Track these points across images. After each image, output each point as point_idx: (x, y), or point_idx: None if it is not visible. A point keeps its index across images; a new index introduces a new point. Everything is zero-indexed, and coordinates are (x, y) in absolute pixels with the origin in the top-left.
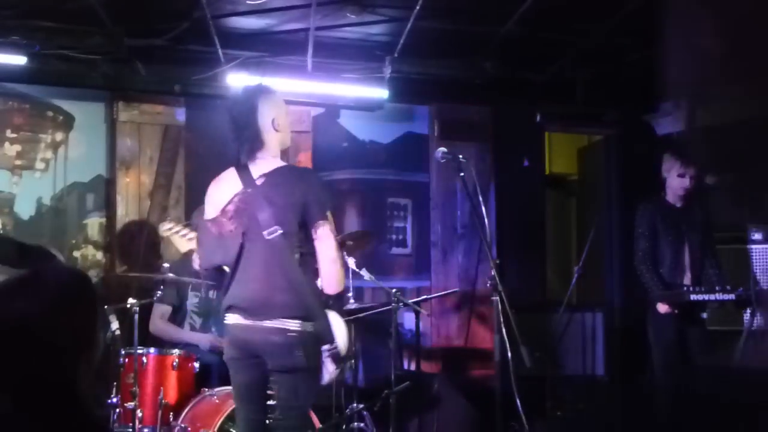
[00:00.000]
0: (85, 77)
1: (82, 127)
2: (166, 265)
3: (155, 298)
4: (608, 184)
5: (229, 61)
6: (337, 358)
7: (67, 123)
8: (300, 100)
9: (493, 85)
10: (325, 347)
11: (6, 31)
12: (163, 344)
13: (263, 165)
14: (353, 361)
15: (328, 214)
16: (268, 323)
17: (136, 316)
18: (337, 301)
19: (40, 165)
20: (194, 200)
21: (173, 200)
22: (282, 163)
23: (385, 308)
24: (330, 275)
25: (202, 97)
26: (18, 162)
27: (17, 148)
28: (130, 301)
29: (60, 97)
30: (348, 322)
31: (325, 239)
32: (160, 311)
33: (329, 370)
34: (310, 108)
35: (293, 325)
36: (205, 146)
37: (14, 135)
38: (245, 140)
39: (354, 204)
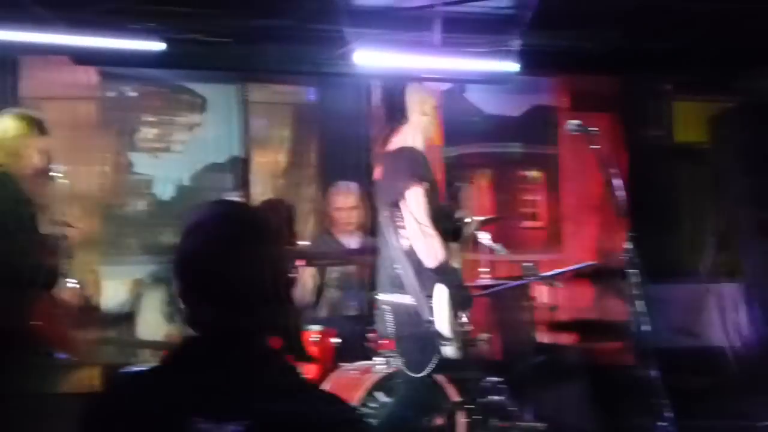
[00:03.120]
0: (218, 60)
1: (216, 109)
2: (302, 242)
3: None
4: (740, 152)
5: (356, 39)
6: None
7: (201, 105)
8: (428, 75)
9: (621, 55)
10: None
11: (141, 17)
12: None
13: None
14: (489, 334)
15: None
16: None
17: None
18: None
19: (177, 147)
20: (327, 178)
21: (306, 178)
22: None
23: (518, 282)
24: None
25: (331, 75)
26: (156, 144)
27: (155, 131)
28: None
29: (194, 81)
30: (482, 297)
31: None
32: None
33: None
34: (438, 83)
35: None
36: (336, 124)
37: (152, 118)
38: None
39: (484, 178)
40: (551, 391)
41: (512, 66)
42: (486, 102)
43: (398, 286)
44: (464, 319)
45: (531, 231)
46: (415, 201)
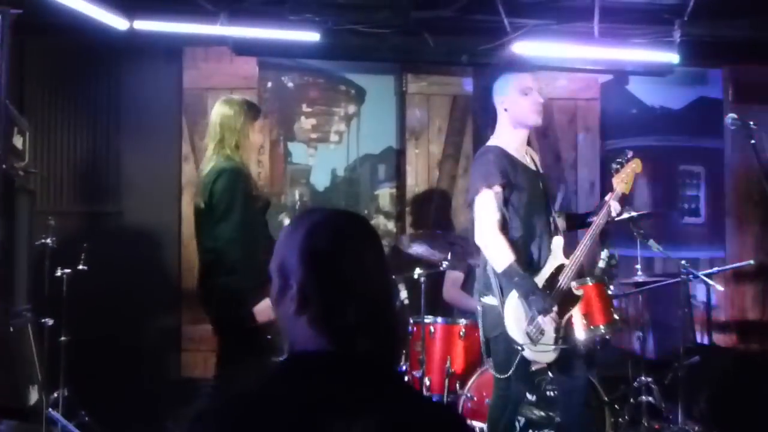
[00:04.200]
0: (375, 51)
1: (373, 100)
2: (456, 233)
3: (444, 266)
4: None
5: (515, 30)
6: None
7: (358, 96)
8: (587, 67)
9: None
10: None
11: (300, 8)
12: (452, 312)
13: None
14: (642, 332)
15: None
16: None
17: (424, 286)
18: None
19: (334, 137)
20: None
21: (461, 169)
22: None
23: (675, 280)
24: None
25: (489, 66)
26: (313, 135)
27: (312, 121)
28: (418, 271)
29: (351, 71)
30: (637, 294)
31: None
32: (452, 278)
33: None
34: (598, 75)
35: None
36: (493, 116)
37: (309, 109)
38: None
39: (644, 173)
40: (706, 393)
41: (674, 57)
42: (647, 94)
43: (488, 288)
44: (544, 323)
45: (691, 227)
46: (482, 204)
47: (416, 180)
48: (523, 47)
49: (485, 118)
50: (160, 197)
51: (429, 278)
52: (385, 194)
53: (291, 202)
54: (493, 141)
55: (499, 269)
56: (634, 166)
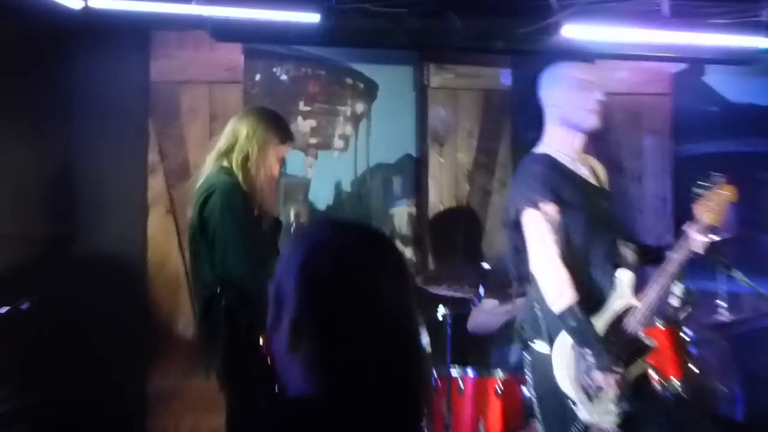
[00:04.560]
0: (390, 35)
1: (387, 97)
2: (485, 265)
3: (476, 303)
4: None
5: (564, 8)
6: None
7: (369, 92)
8: (654, 54)
9: None
10: None
11: None
12: (486, 362)
13: None
14: (728, 388)
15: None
16: None
17: (449, 329)
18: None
19: (338, 143)
20: None
21: (498, 183)
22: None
23: None
24: None
25: (532, 54)
26: (313, 140)
27: (312, 123)
28: (442, 310)
29: (360, 61)
30: (721, 339)
31: None
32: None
33: None
34: (668, 64)
35: None
36: (537, 116)
37: (308, 108)
38: None
39: (727, 185)
40: None
41: (763, 41)
42: (730, 87)
43: (536, 331)
44: (605, 379)
45: None
46: (531, 228)
47: (440, 196)
48: (573, 30)
49: (526, 118)
50: (120, 217)
51: (456, 319)
52: (401, 214)
53: (285, 224)
54: (540, 148)
55: (556, 309)
56: (728, 194)
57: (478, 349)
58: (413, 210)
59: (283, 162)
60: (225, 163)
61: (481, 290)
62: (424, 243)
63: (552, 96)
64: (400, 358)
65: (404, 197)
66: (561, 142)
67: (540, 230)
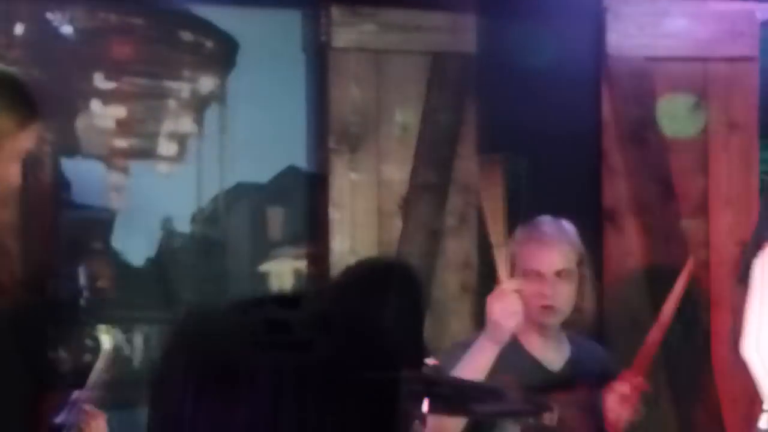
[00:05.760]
0: None
1: (256, 65)
2: (431, 362)
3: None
4: None
5: None
6: None
7: (223, 56)
8: None
9: None
10: None
11: None
12: None
13: None
14: None
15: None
16: None
17: None
18: None
19: (167, 148)
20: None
21: (455, 216)
22: None
23: None
24: None
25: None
26: (121, 143)
27: (119, 111)
28: None
29: (208, 3)
30: None
31: None
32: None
33: None
34: (754, 7)
35: None
36: (524, 104)
37: (111, 84)
38: None
39: None
40: None
41: None
42: None
43: None
44: None
45: None
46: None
47: (352, 241)
48: None
49: (494, 99)
50: None
51: None
52: (282, 271)
53: (68, 293)
54: None
55: None
56: None
57: None
58: (302, 265)
59: (28, 160)
60: None
61: (425, 406)
62: (324, 323)
63: None
64: None
65: (287, 243)
66: None
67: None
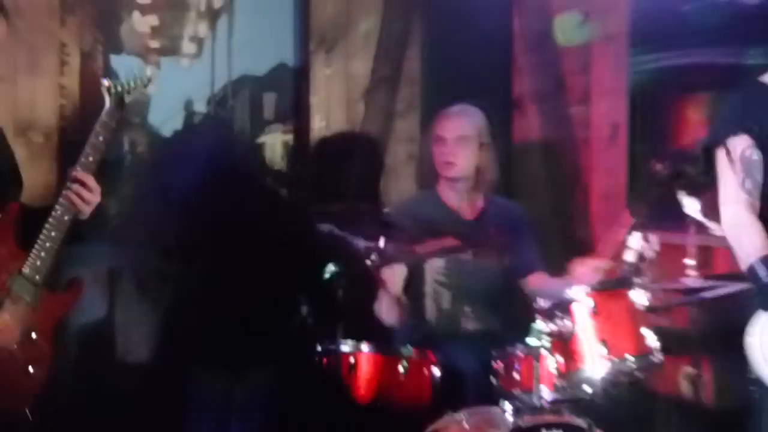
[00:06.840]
0: None
1: None
2: (387, 210)
3: (375, 260)
4: None
5: None
6: None
7: None
8: None
9: None
10: None
11: None
12: (390, 337)
13: None
14: (695, 368)
15: None
16: None
17: (342, 292)
18: None
19: (188, 47)
20: (436, 102)
21: (404, 103)
22: None
23: (747, 285)
24: None
25: None
26: (154, 43)
27: (152, 20)
28: (331, 268)
29: None
30: (688, 306)
31: None
32: (391, 277)
33: None
34: None
35: None
36: (461, 10)
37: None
38: None
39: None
40: None
41: None
42: None
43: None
44: None
45: None
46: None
47: (327, 120)
48: None
49: (447, 14)
50: None
51: (350, 280)
52: (274, 143)
53: (116, 156)
54: None
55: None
56: None
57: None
58: (289, 138)
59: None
60: None
61: (382, 243)
62: (304, 181)
63: None
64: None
65: (278, 121)
66: None
67: (747, 165)
